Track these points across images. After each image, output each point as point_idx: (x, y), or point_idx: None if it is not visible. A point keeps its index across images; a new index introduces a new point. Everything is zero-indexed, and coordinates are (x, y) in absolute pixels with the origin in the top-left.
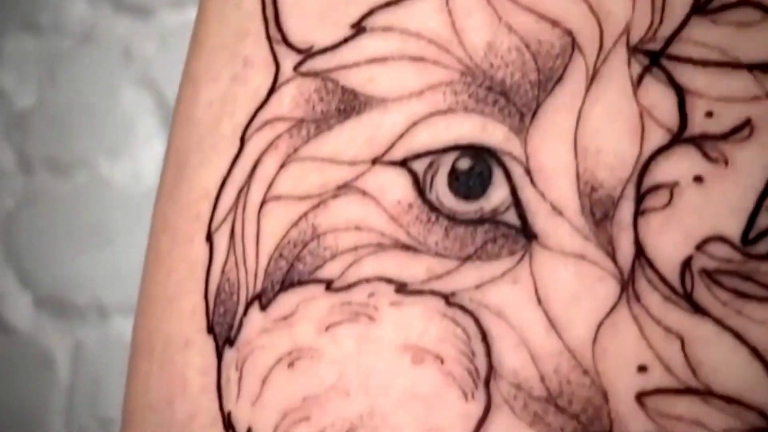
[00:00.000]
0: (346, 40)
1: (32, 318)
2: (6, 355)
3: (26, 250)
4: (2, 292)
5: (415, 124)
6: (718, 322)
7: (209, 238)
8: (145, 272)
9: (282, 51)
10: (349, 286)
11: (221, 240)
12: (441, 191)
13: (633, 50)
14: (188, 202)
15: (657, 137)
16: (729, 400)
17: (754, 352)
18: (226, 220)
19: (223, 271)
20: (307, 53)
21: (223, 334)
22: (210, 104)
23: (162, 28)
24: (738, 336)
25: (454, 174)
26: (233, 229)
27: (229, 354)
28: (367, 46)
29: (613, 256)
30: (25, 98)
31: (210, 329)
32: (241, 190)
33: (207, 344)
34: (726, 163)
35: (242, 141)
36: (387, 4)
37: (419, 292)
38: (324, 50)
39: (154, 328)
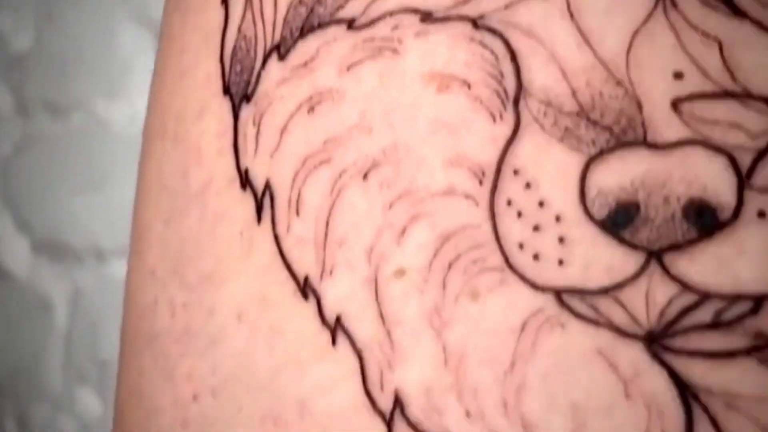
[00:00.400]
0: None
1: (29, 263)
2: (3, 300)
3: (23, 194)
4: (0, 237)
5: None
6: (758, 24)
7: (224, 0)
8: (158, 57)
9: None
10: (372, 22)
11: (237, 1)
12: None
13: None
14: None
15: None
16: None
17: None
18: None
19: (239, 30)
20: None
21: (240, 92)
22: None
23: None
24: None
25: None
26: None
27: (246, 110)
28: None
29: None
30: (22, 40)
31: (226, 90)
32: None
33: (223, 106)
34: None
35: None
36: None
37: (446, 19)
38: None
39: (166, 105)
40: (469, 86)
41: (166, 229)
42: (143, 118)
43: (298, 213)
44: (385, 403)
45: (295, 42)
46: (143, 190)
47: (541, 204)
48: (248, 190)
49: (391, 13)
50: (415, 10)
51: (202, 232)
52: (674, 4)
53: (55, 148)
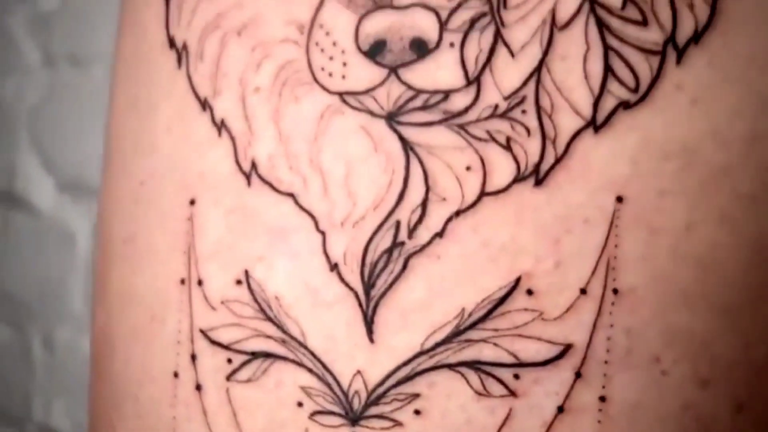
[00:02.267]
0: None
1: (55, 200)
2: (32, 233)
3: (49, 138)
4: (28, 177)
5: None
6: None
7: None
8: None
9: None
10: None
11: None
12: None
13: None
14: None
15: None
16: None
17: None
18: None
19: None
20: None
21: None
22: None
23: None
24: None
25: None
26: None
27: (173, 1)
28: None
29: None
30: (50, 1)
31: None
32: None
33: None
34: None
35: None
36: None
37: None
38: None
39: (126, 17)
40: None
41: (128, 80)
42: None
43: (201, 59)
44: (246, 167)
45: None
46: (115, 67)
47: (334, 44)
48: (173, 48)
49: None
50: None
51: (149, 75)
52: None
53: (78, 97)
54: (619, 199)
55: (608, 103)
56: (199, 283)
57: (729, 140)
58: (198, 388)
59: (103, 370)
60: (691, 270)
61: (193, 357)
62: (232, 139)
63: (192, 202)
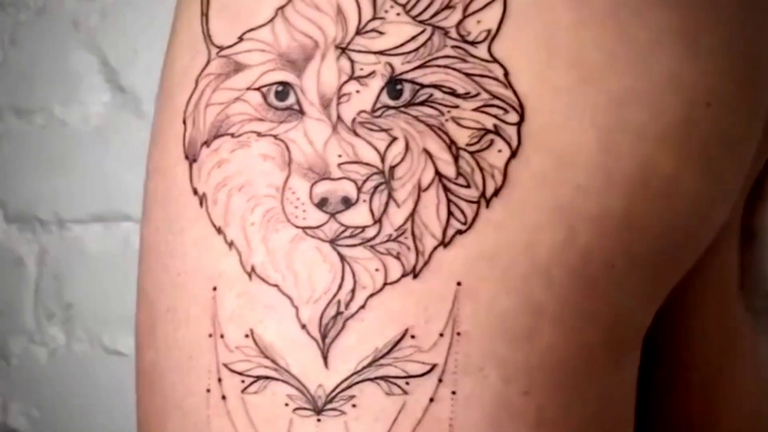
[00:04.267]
0: (234, 44)
1: (4, 230)
2: None
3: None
4: None
5: (263, 73)
6: None
7: (184, 121)
8: (150, 147)
9: (210, 46)
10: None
11: (189, 122)
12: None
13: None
14: (174, 109)
15: None
16: None
17: None
18: (191, 114)
19: (191, 134)
20: (221, 48)
21: (191, 157)
22: (182, 67)
23: (104, 4)
24: None
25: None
26: (194, 118)
27: (195, 165)
28: (242, 45)
29: None
30: None
31: (186, 156)
32: (197, 101)
33: (185, 164)
34: None
35: (196, 82)
36: (252, 29)
37: None
38: (227, 47)
39: (155, 164)
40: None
41: (160, 209)
42: (92, 117)
43: (215, 204)
44: (248, 269)
45: (212, 139)
46: (149, 198)
47: (297, 199)
48: (196, 195)
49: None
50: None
51: (179, 209)
52: None
53: (23, 142)
54: (459, 284)
55: (450, 231)
56: (221, 336)
57: (537, 248)
58: (223, 397)
59: (154, 391)
60: (497, 321)
61: (219, 380)
62: (239, 253)
63: (214, 289)
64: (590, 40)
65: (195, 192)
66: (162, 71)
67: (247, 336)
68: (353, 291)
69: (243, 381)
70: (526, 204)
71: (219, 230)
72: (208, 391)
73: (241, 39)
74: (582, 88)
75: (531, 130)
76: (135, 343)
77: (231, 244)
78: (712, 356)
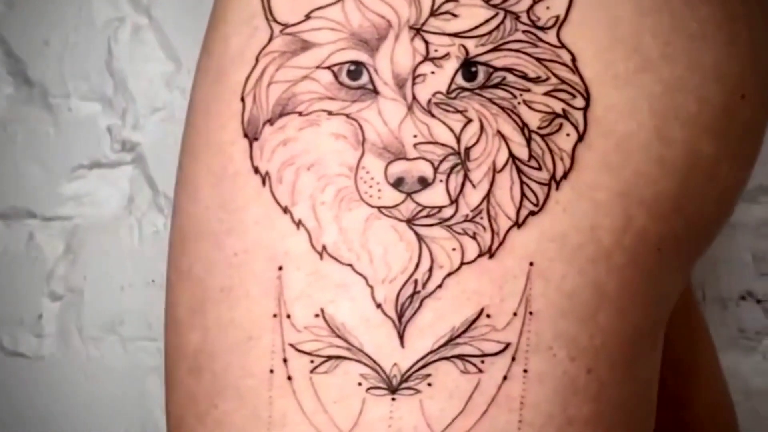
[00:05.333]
0: (300, 21)
1: None
2: None
3: None
4: None
5: (333, 52)
6: None
7: (242, 99)
8: (191, 126)
9: (273, 23)
10: (309, 113)
11: (248, 100)
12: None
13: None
14: (229, 87)
15: None
16: None
17: None
18: (251, 91)
19: (251, 112)
20: (285, 25)
21: (251, 136)
22: (237, 45)
23: None
24: None
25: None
26: (255, 95)
27: (256, 144)
28: (310, 23)
29: None
30: None
31: (245, 135)
32: (257, 79)
33: (244, 142)
34: None
35: (257, 60)
36: (320, 8)
37: None
38: (293, 24)
39: (204, 143)
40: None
41: (214, 188)
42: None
43: (281, 182)
44: (319, 248)
45: (277, 118)
46: (197, 177)
47: (372, 178)
48: (257, 174)
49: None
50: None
51: (235, 188)
52: None
53: None
54: (531, 264)
55: (523, 212)
56: (288, 316)
57: (600, 231)
58: (289, 378)
59: (202, 374)
60: (566, 301)
61: (285, 360)
62: (308, 231)
63: (280, 268)
64: (648, 28)
65: (256, 170)
66: (207, 49)
67: (317, 316)
68: (430, 270)
69: (312, 361)
70: (591, 187)
71: (285, 209)
72: (272, 371)
73: (308, 17)
74: (640, 75)
75: (595, 115)
76: (165, 328)
77: (299, 224)
78: (682, 355)
